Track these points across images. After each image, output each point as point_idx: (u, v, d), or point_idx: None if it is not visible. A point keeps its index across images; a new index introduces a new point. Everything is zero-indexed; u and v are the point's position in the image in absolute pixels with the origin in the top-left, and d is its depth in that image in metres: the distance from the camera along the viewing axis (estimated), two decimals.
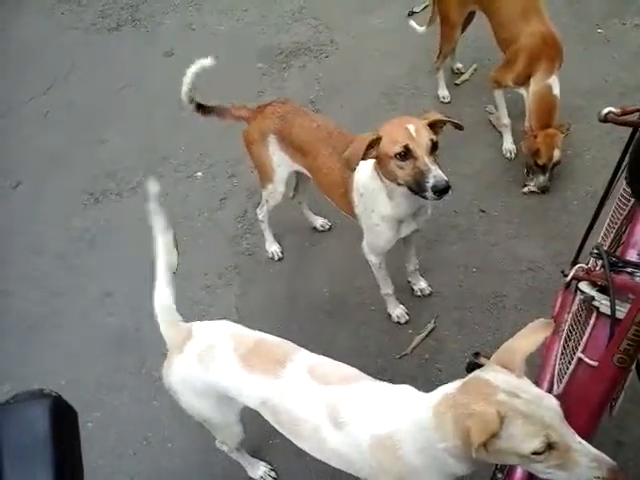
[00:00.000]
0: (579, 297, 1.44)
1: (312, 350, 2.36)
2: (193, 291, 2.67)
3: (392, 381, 2.26)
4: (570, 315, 1.52)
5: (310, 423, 1.45)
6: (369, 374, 2.24)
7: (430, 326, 2.38)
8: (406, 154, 1.74)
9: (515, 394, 1.13)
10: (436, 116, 1.85)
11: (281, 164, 2.35)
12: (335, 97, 3.48)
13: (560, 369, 1.38)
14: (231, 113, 2.44)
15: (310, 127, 2.21)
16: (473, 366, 1.50)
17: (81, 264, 2.92)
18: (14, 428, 0.57)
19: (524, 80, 2.66)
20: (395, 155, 1.76)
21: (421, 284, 2.48)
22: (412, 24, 3.28)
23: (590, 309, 1.33)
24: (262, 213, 2.63)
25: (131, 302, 2.70)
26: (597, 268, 1.50)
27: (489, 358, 1.48)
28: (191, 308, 2.60)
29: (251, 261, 2.76)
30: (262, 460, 2.11)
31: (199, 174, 3.24)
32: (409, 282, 2.49)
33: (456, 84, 3.33)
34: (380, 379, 2.27)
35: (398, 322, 2.42)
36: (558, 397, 1.23)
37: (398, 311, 2.42)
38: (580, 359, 1.28)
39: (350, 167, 1.87)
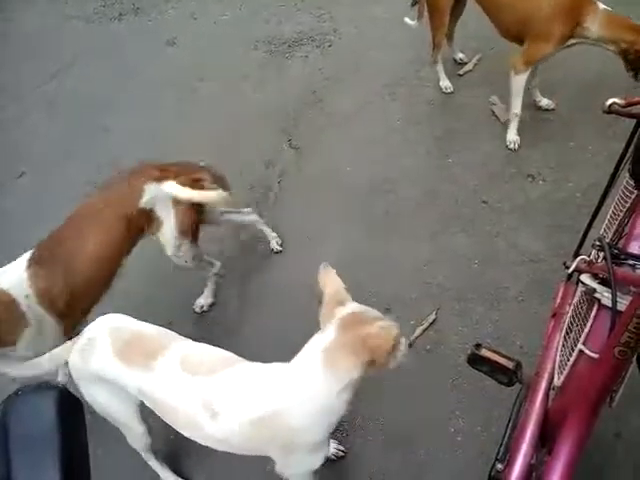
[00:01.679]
0: (580, 289, 1.44)
1: None
2: (194, 282, 2.68)
3: (394, 373, 2.28)
4: (571, 307, 1.52)
5: (185, 413, 1.53)
6: None
7: (431, 317, 2.38)
8: None
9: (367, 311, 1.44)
10: None
11: None
12: (337, 87, 3.47)
13: (561, 360, 1.39)
14: None
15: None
16: (475, 357, 1.51)
17: None
18: (21, 419, 0.58)
19: (569, 36, 2.63)
20: None
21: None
22: (406, 20, 3.24)
23: (591, 301, 1.33)
24: None
25: (132, 291, 2.70)
26: (599, 260, 1.50)
27: (491, 349, 1.49)
28: (192, 299, 2.62)
29: (252, 253, 2.76)
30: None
31: (202, 163, 3.23)
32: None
33: (459, 75, 3.31)
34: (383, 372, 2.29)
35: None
36: (559, 388, 1.24)
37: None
38: (581, 351, 1.28)
39: None
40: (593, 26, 2.59)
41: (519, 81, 2.80)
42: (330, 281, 1.52)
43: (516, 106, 2.86)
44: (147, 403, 1.65)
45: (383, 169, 2.96)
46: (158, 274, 2.76)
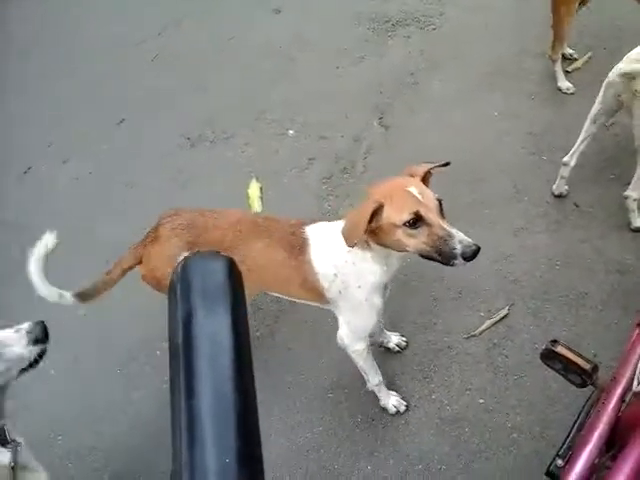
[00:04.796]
0: None
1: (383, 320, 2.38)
2: None
3: (456, 361, 2.25)
4: None
5: None
6: (435, 350, 2.26)
7: (503, 312, 2.33)
8: (416, 221, 1.55)
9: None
10: (423, 168, 1.70)
11: None
12: (435, 72, 3.41)
13: None
14: (115, 273, 1.96)
15: (230, 223, 1.86)
16: (549, 353, 1.47)
17: (171, 203, 3.04)
18: (201, 274, 0.70)
19: None
20: (404, 224, 1.56)
21: (394, 339, 2.29)
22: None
23: None
24: None
25: None
26: None
27: (568, 347, 1.45)
28: None
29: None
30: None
31: (291, 132, 3.29)
32: (380, 345, 2.29)
33: (567, 71, 3.17)
34: (445, 357, 2.27)
35: (398, 412, 2.11)
36: (635, 395, 1.20)
37: (393, 400, 2.11)
38: None
39: (350, 243, 1.61)
40: None
41: None
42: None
43: None
44: None
45: (474, 158, 2.90)
46: None
